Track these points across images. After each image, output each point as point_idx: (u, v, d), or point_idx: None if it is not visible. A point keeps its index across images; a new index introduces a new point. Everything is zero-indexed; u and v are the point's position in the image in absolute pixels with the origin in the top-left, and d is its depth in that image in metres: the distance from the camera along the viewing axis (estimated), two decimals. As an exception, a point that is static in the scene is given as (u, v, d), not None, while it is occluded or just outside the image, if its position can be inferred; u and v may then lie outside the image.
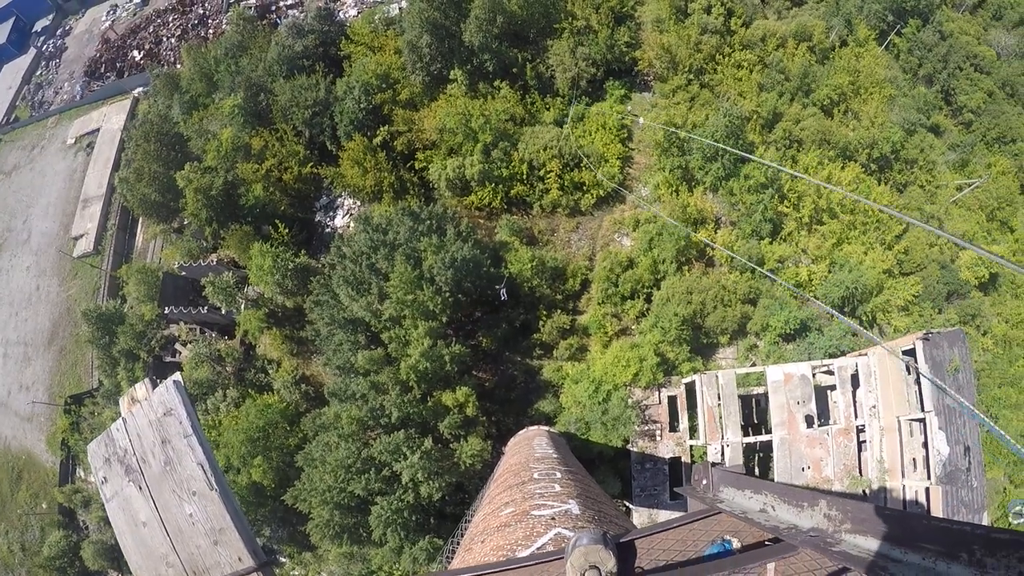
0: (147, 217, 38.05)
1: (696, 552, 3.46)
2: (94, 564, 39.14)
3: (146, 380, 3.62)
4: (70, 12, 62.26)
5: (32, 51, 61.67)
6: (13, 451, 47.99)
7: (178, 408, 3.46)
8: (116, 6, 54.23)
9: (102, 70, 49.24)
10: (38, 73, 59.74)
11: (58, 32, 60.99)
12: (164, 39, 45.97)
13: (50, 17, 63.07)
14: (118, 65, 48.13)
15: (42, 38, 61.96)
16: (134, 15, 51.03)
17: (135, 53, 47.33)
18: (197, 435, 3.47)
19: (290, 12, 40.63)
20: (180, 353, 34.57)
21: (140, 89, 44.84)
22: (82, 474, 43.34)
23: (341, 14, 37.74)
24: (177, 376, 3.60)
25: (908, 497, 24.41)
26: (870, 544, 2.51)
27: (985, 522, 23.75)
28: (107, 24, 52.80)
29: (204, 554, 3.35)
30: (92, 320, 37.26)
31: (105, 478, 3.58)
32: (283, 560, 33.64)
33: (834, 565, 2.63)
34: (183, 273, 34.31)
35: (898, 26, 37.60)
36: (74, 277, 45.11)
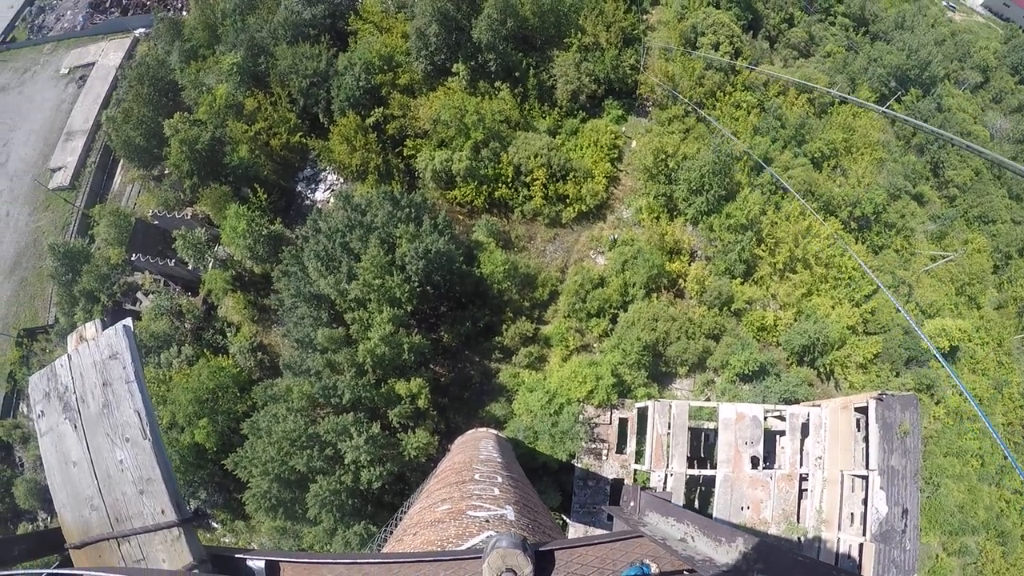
0: (128, 160, 37.22)
1: (614, 572, 3.46)
2: (25, 503, 38.15)
3: (97, 320, 3.57)
4: (85, -61, 60.57)
5: (41, -29, 59.80)
6: (-43, 375, 46.40)
7: (124, 353, 3.42)
8: (133, -59, 52.87)
9: (107, 4, 48.09)
10: (43, -5, 58.03)
11: (70, -43, 59.29)
12: (175, -17, 45.06)
13: (64, -60, 61.21)
14: (124, 2, 47.02)
15: (53, -40, 60.10)
16: (150, -47, 49.83)
17: (144, -8, 46.28)
18: (139, 383, 3.45)
19: (306, -22, 40.00)
20: (141, 302, 33.91)
21: (142, 30, 43.86)
22: (24, 410, 42.21)
23: (356, -12, 37.31)
24: (128, 321, 3.55)
25: (842, 550, 24.89)
26: None
27: None
28: (121, -43, 51.43)
29: (129, 501, 3.35)
30: (58, 255, 36.32)
31: (42, 412, 3.55)
32: (215, 525, 33.20)
33: None
34: (156, 222, 33.67)
35: (899, 93, 38.47)
36: (46, 209, 43.93)
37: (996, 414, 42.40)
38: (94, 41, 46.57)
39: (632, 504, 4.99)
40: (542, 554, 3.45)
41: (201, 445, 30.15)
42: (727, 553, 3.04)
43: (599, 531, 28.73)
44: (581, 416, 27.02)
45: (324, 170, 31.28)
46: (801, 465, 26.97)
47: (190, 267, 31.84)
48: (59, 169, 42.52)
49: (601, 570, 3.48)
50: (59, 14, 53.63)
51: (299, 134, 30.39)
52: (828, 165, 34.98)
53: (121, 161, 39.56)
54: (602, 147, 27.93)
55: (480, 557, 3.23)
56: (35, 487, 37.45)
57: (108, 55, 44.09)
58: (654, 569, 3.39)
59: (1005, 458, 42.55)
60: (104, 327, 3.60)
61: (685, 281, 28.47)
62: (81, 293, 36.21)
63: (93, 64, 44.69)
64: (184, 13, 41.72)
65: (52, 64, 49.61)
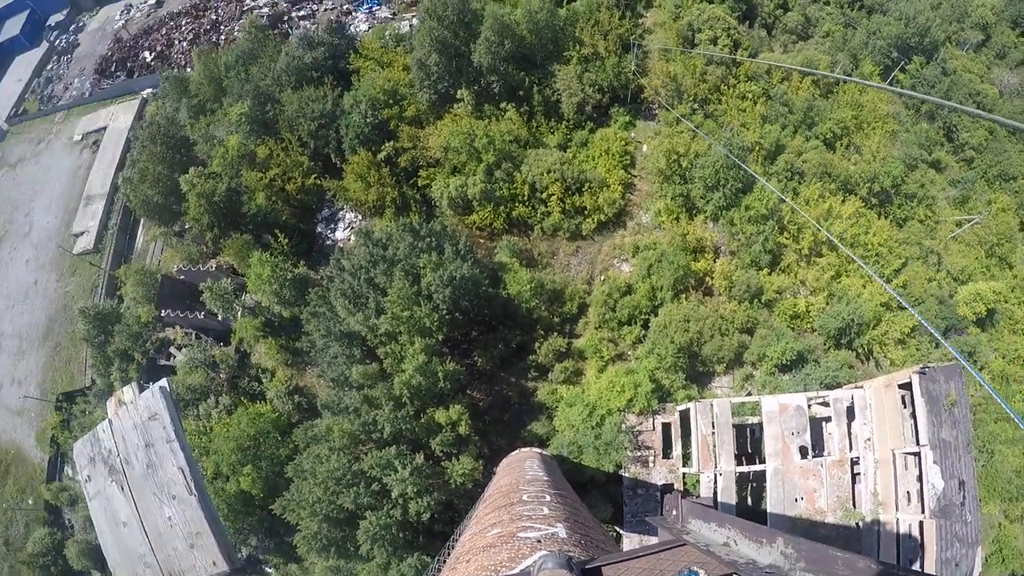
0: (149, 218, 38.13)
1: None
2: (78, 564, 38.47)
3: (134, 384, 3.64)
4: (84, 9, 62.76)
5: (44, 45, 62.05)
6: (2, 444, 47.46)
7: (163, 413, 3.49)
8: (130, 6, 54.72)
9: (112, 69, 49.56)
10: (49, 67, 60.09)
11: (71, 28, 61.44)
12: (176, 42, 46.33)
13: (64, 12, 63.53)
14: (129, 65, 48.45)
15: (55, 32, 62.36)
16: (148, 16, 51.47)
17: (146, 54, 47.66)
18: (180, 441, 3.50)
19: (302, 23, 41.01)
20: (175, 357, 34.45)
21: (149, 90, 45.10)
22: (70, 472, 42.99)
23: (352, 28, 38.10)
24: (164, 382, 3.61)
25: (902, 530, 24.29)
26: None
27: (979, 557, 23.61)
28: (120, 23, 53.23)
29: (181, 556, 3.39)
30: (89, 318, 37.09)
31: (89, 476, 3.62)
32: (268, 571, 33.29)
33: None
34: (182, 277, 34.30)
35: (902, 62, 38.03)
36: (73, 274, 45.07)
37: (1043, 374, 41.12)
38: (104, 106, 48.00)
39: (675, 513, 5.11)
40: (588, 571, 3.45)
41: (247, 492, 30.21)
42: (769, 554, 3.06)
43: (654, 540, 28.31)
44: (623, 425, 26.77)
45: (341, 209, 31.74)
46: (851, 449, 26.40)
47: (219, 317, 32.34)
48: (82, 233, 43.67)
49: None
50: (67, 83, 55.45)
51: (313, 176, 30.90)
52: (841, 144, 34.61)
53: (142, 220, 40.54)
54: (614, 155, 27.97)
55: None
56: (86, 547, 37.87)
57: (118, 118, 45.37)
58: (702, 575, 3.41)
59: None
60: (141, 389, 3.65)
61: (712, 278, 28.22)
62: (115, 353, 36.89)
63: (105, 128, 46.02)
64: (188, 70, 42.86)
65: (65, 132, 51.22)
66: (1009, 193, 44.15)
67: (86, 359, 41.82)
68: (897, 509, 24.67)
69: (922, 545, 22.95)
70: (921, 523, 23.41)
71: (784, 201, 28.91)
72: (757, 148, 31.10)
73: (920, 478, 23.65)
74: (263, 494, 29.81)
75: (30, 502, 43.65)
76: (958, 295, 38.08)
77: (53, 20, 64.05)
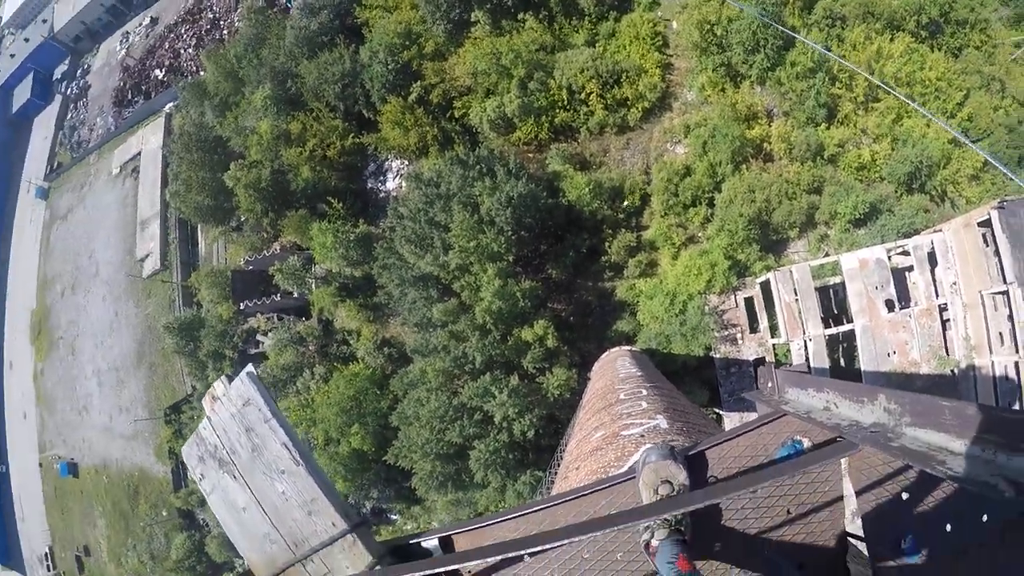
0: (205, 223, 39.71)
1: (767, 456, 3.42)
2: (219, 556, 41.80)
3: (223, 377, 3.90)
4: (84, 52, 64.23)
5: (58, 98, 64.17)
6: (126, 470, 51.56)
7: (255, 396, 3.70)
8: (128, 33, 55.60)
9: (129, 97, 50.93)
10: (69, 117, 62.28)
11: (78, 73, 63.15)
12: (182, 51, 47.03)
13: (66, 61, 65.22)
14: (143, 88, 49.65)
15: (64, 83, 64.30)
16: (147, 37, 52.26)
17: (157, 72, 48.65)
18: (277, 418, 3.73)
19: (297, -6, 40.58)
20: (263, 343, 36.42)
21: (170, 105, 46.25)
22: (192, 476, 46.58)
23: (348, -17, 37.40)
24: (249, 367, 3.85)
25: (998, 373, 23.61)
26: (929, 437, 2.41)
27: None
28: (123, 52, 54.31)
29: (301, 525, 3.66)
30: (173, 331, 39.32)
31: (203, 475, 3.94)
32: (394, 517, 35.64)
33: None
34: (250, 267, 35.83)
35: None
36: (148, 296, 47.82)
37: None
38: (131, 133, 49.67)
39: (770, 385, 4.78)
40: (692, 457, 3.40)
41: (359, 450, 32.10)
42: (872, 412, 2.86)
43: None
44: (706, 308, 26.75)
45: (386, 160, 32.13)
46: (937, 296, 25.54)
47: (295, 295, 33.79)
48: (147, 256, 46.04)
49: (754, 457, 3.42)
50: (90, 125, 57.49)
51: (351, 136, 31.27)
52: (879, -22, 32.13)
53: (199, 227, 42.28)
54: (644, 39, 26.97)
55: (635, 477, 3.24)
56: (224, 540, 41.03)
57: (149, 140, 46.92)
58: (807, 444, 3.30)
59: None
60: (230, 380, 3.84)
61: (770, 143, 27.28)
62: (207, 356, 39.25)
63: (139, 153, 47.72)
64: (201, 73, 43.57)
65: (103, 170, 53.48)
66: (1070, 0, 40.15)
67: (182, 369, 44.75)
68: (991, 352, 23.92)
69: (1020, 386, 22.31)
70: (1017, 363, 22.71)
71: (828, 52, 27.31)
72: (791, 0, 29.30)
73: (1011, 317, 22.77)
74: (374, 448, 31.63)
75: (164, 514, 47.58)
76: (1031, 118, 35.45)
77: (58, 72, 65.98)
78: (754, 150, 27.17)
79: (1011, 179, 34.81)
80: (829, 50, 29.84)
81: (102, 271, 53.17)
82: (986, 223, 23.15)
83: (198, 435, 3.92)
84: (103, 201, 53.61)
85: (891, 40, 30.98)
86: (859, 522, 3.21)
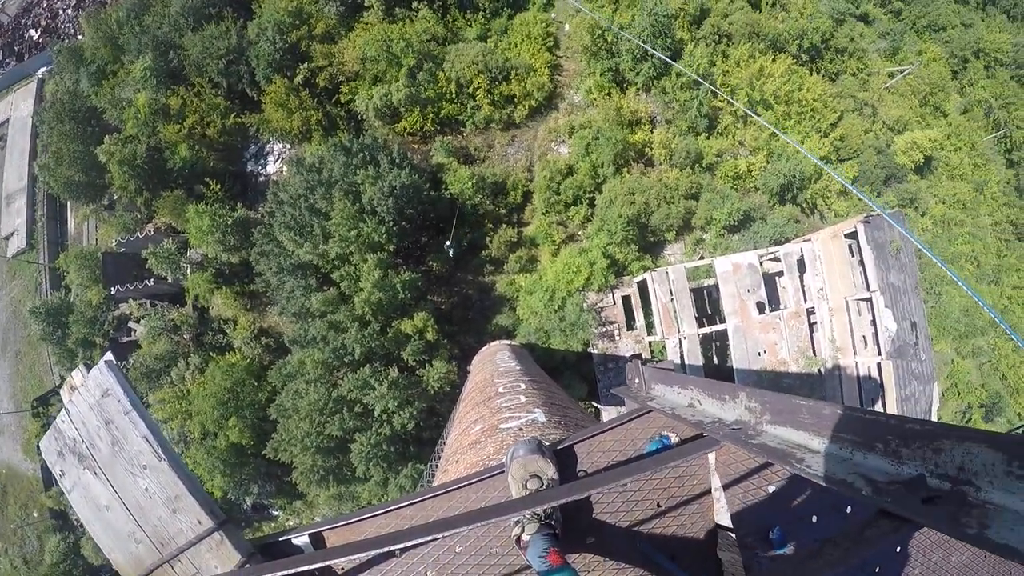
0: (75, 200, 36.36)
1: (636, 450, 3.51)
2: (96, 559, 38.60)
3: (81, 366, 3.59)
4: (-45, 4, 57.04)
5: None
6: (-9, 469, 46.45)
7: (114, 387, 3.43)
8: (3, -13, 49.84)
9: (0, 57, 45.77)
10: (-68, 74, 55.06)
11: (-54, 26, 55.98)
12: (60, 12, 42.77)
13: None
14: (16, 48, 44.80)
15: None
16: (25, -7, 47.11)
17: (32, 32, 44.05)
18: (137, 410, 3.46)
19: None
20: (135, 331, 33.78)
21: (44, 69, 41.95)
22: (62, 475, 42.65)
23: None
24: (108, 355, 3.57)
25: (862, 373, 25.74)
26: (789, 435, 2.49)
27: (936, 392, 25.27)
28: (-3, 8, 48.64)
29: (166, 524, 3.43)
30: (40, 317, 35.87)
31: (62, 471, 3.60)
32: (275, 513, 34.17)
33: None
34: (122, 250, 33.17)
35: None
36: (13, 278, 43.15)
37: (981, 215, 43.37)
38: (0, 98, 44.60)
39: (637, 380, 4.91)
40: (562, 452, 3.47)
41: (238, 444, 30.49)
42: (734, 410, 2.99)
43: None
44: (585, 304, 27.49)
45: (268, 142, 30.61)
46: (805, 300, 27.59)
47: (169, 280, 31.59)
48: (11, 234, 41.53)
49: (623, 451, 3.52)
50: (-45, 85, 51.01)
51: (232, 115, 29.58)
52: (767, 3, 34.50)
53: (68, 203, 38.62)
54: (536, 39, 27.34)
55: (504, 471, 3.29)
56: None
57: (19, 106, 42.34)
58: (674, 439, 3.42)
59: (1000, 256, 43.72)
60: (89, 369, 3.64)
61: (651, 149, 28.45)
62: (75, 344, 35.95)
63: (7, 120, 42.95)
64: (80, 37, 39.83)
65: (-34, 136, 47.63)
66: (939, 43, 44.86)
67: (50, 358, 40.71)
68: (855, 353, 26.06)
69: (882, 385, 24.41)
70: (879, 364, 24.75)
71: (702, 80, 28.82)
72: (682, 15, 30.72)
73: (874, 322, 24.87)
74: (253, 442, 30.14)
75: (35, 515, 43.28)
76: (895, 144, 39.26)
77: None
78: (636, 154, 28.23)
79: (876, 197, 38.22)
80: (714, 65, 31.60)
81: (-37, 250, 47.45)
82: (852, 235, 25.20)
83: (56, 428, 3.59)
84: (-33, 171, 47.82)
85: (773, 60, 33.28)
86: (728, 515, 3.22)
